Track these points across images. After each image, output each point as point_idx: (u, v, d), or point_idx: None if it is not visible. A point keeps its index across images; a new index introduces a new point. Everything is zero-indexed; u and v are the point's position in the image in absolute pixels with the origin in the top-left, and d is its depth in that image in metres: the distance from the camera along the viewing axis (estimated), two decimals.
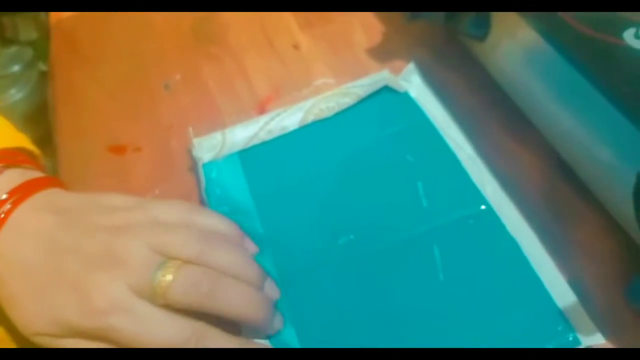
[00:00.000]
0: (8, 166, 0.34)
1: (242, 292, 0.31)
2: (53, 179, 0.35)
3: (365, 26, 0.48)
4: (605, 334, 0.31)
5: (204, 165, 0.40)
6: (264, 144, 0.41)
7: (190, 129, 0.41)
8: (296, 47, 0.47)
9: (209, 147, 0.41)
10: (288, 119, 0.41)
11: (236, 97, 0.45)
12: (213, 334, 0.31)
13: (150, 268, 0.30)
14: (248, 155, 0.40)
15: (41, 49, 0.86)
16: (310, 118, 0.41)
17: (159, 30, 0.50)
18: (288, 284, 0.34)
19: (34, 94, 1.01)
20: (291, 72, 0.46)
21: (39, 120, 0.39)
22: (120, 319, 0.29)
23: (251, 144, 0.41)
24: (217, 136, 0.41)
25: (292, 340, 0.32)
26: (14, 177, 0.33)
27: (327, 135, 0.40)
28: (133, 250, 0.31)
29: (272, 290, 0.34)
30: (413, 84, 0.42)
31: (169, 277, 0.30)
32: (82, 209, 0.33)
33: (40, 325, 0.31)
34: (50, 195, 0.34)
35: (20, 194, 0.32)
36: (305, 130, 0.41)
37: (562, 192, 0.36)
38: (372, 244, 0.35)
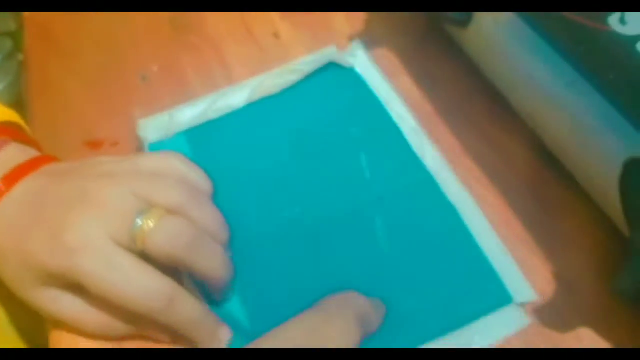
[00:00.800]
0: (7, 142, 0.34)
1: (216, 252, 0.31)
2: (52, 156, 0.35)
3: (346, 13, 0.46)
4: (592, 326, 0.31)
5: (150, 145, 0.40)
6: (211, 122, 0.40)
7: (136, 110, 0.40)
8: (276, 35, 0.46)
9: (156, 127, 0.40)
10: (235, 96, 0.41)
11: (215, 87, 0.43)
12: (184, 296, 0.30)
13: (132, 213, 0.30)
14: (195, 134, 0.40)
15: (20, 39, 0.85)
16: (257, 96, 0.41)
17: (135, 21, 0.49)
18: (235, 256, 0.34)
19: (15, 85, 1.00)
20: (271, 61, 0.44)
21: (20, 111, 0.39)
22: (91, 261, 0.28)
23: (198, 122, 0.40)
24: (164, 117, 0.41)
25: (237, 311, 0.33)
26: (17, 153, 0.34)
27: (274, 112, 0.41)
28: (115, 194, 0.30)
29: None
30: (359, 59, 0.42)
31: (151, 223, 0.29)
32: (73, 168, 0.33)
33: (21, 277, 0.31)
34: (48, 167, 0.34)
35: (21, 171, 0.33)
36: (251, 108, 0.41)
37: (548, 183, 0.36)
38: (317, 215, 0.36)
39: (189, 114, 0.41)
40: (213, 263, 0.31)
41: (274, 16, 0.47)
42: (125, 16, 0.49)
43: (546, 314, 0.32)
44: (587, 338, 0.31)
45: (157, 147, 0.39)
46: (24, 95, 0.48)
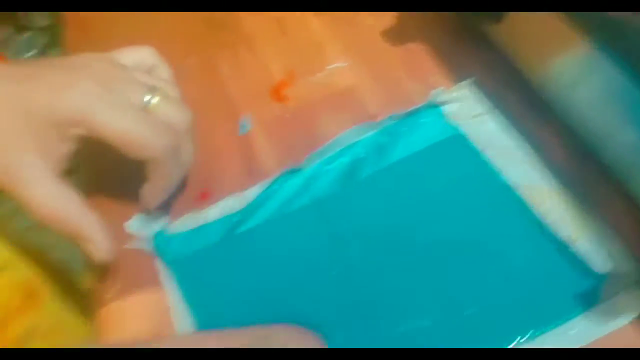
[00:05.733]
0: None
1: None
2: None
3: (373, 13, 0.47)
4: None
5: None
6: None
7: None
8: (309, 31, 0.47)
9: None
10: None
11: (250, 84, 0.44)
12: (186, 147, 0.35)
13: (143, 88, 0.34)
14: None
15: (55, 34, 0.86)
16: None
17: (170, 18, 0.50)
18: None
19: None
20: (305, 57, 0.45)
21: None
22: (102, 104, 0.31)
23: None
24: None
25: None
26: None
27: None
28: (121, 72, 0.34)
29: None
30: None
31: (158, 101, 0.34)
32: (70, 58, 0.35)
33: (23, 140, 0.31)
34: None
35: None
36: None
37: (584, 175, 0.36)
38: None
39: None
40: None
41: (308, 15, 0.48)
42: (160, 14, 0.50)
43: None
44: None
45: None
46: None
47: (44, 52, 0.87)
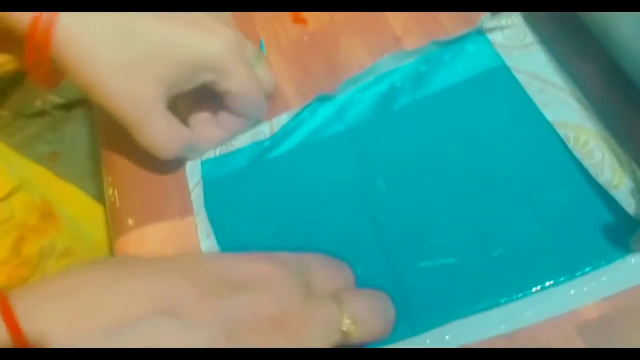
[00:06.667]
0: None
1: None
2: None
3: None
4: None
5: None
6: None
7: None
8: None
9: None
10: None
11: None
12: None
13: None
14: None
15: None
16: None
17: None
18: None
19: None
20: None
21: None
22: (235, 55, 0.33)
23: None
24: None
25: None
26: None
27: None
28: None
29: None
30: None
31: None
32: None
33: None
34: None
35: None
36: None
37: (632, 121, 0.33)
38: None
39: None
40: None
41: None
42: None
43: None
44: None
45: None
46: None
47: None
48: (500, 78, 0.36)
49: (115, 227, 0.37)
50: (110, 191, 0.38)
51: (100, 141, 0.41)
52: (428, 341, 0.30)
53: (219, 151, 0.38)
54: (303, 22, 0.41)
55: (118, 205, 0.38)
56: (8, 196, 0.37)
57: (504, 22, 0.37)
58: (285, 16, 0.42)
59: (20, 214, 0.36)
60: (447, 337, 0.29)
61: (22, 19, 0.29)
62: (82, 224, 0.40)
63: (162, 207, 0.36)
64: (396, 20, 0.39)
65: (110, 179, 0.39)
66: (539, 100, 0.34)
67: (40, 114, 0.49)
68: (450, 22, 0.38)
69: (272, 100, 0.38)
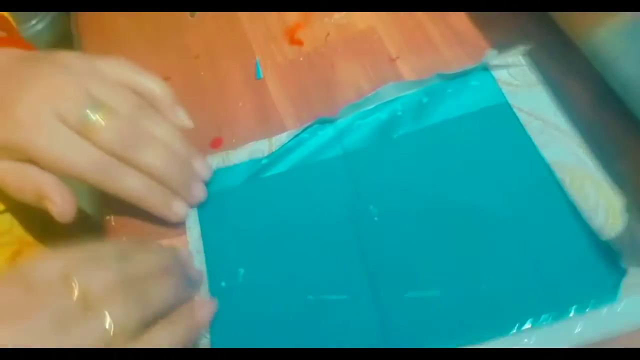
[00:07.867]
0: None
1: (163, 154, 0.33)
2: (21, 41, 0.36)
3: None
4: None
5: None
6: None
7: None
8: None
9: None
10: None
11: (265, 25, 0.43)
12: (125, 170, 0.32)
13: (84, 104, 0.31)
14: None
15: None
16: None
17: None
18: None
19: (56, 24, 1.00)
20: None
21: (69, 47, 0.39)
22: (38, 134, 0.31)
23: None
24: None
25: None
26: None
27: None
28: (71, 84, 0.32)
29: (203, 168, 0.36)
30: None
31: (101, 119, 0.31)
32: (34, 56, 0.34)
33: None
34: (11, 50, 0.35)
35: None
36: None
37: (629, 166, 0.33)
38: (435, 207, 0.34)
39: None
40: (158, 163, 0.33)
41: None
42: None
43: None
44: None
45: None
46: (74, 32, 0.49)
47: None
48: (502, 115, 0.36)
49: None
50: (106, 208, 0.38)
51: None
52: None
53: (215, 165, 0.37)
54: (299, 43, 0.41)
55: (113, 223, 0.37)
56: (8, 209, 0.37)
57: (509, 60, 0.37)
58: (281, 37, 0.42)
59: (19, 227, 0.35)
60: None
61: None
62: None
63: (155, 225, 0.36)
64: (390, 40, 0.40)
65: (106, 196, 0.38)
66: (538, 139, 0.34)
67: None
68: (444, 43, 0.39)
69: (268, 120, 0.38)
